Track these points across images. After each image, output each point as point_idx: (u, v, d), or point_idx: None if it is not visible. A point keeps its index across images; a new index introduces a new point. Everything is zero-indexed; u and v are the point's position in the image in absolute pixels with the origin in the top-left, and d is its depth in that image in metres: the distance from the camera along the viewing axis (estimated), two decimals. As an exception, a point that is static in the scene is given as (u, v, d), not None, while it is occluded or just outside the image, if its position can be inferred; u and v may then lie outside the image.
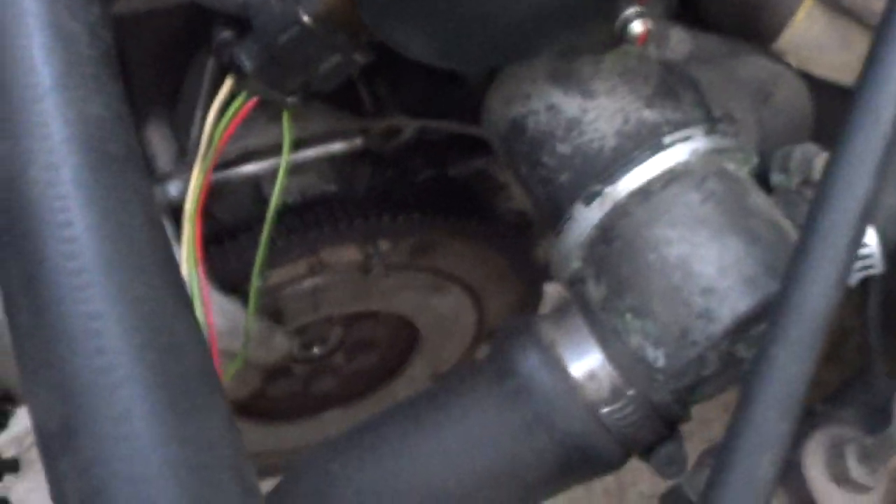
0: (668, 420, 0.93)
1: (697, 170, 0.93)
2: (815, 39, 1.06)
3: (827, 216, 0.79)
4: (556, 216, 0.97)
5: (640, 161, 0.93)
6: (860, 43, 1.04)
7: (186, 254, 0.91)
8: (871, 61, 0.77)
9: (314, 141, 1.23)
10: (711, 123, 0.95)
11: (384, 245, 1.26)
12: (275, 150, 1.19)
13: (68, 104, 0.81)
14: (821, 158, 0.94)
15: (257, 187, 1.23)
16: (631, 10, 0.87)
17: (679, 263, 0.90)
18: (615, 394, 0.91)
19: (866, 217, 0.77)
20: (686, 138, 0.93)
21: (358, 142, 1.25)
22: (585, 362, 0.92)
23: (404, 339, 1.49)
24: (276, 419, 1.48)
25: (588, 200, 0.94)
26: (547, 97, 0.98)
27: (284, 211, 1.23)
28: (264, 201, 1.21)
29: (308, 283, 1.26)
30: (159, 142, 1.21)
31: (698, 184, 0.92)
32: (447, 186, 1.33)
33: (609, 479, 2.05)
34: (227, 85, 0.93)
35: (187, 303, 0.80)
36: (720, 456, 0.78)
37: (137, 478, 0.66)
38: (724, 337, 0.88)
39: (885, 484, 0.87)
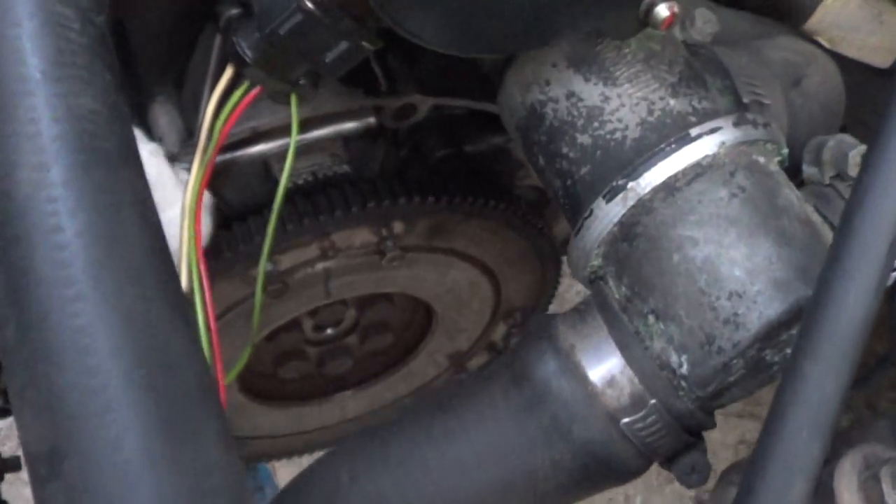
0: (690, 428, 0.86)
1: (726, 163, 0.85)
2: (848, 19, 0.98)
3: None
4: (575, 211, 0.90)
5: (665, 155, 0.85)
6: (896, 23, 0.97)
7: (187, 251, 0.85)
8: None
9: (325, 120, 1.17)
10: (741, 113, 0.88)
11: (398, 227, 1.20)
12: (284, 129, 1.13)
13: (58, 98, 0.74)
14: (857, 151, 0.86)
15: (266, 168, 1.17)
16: (656, -7, 0.81)
17: (705, 265, 0.83)
18: (636, 402, 0.84)
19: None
20: (714, 130, 0.86)
21: (371, 120, 1.18)
22: (605, 368, 0.85)
23: (419, 320, 1.43)
24: (290, 401, 1.43)
25: (609, 196, 0.86)
26: (567, 84, 0.91)
27: (294, 192, 1.17)
28: (273, 182, 1.15)
29: (320, 267, 1.20)
30: (166, 122, 1.14)
31: (726, 179, 0.85)
32: (463, 165, 1.26)
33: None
34: (228, 75, 0.86)
35: (185, 312, 0.74)
36: (748, 477, 0.72)
37: None
38: (753, 344, 0.81)
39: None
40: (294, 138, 0.95)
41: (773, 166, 0.88)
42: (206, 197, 1.06)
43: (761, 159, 0.87)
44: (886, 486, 0.76)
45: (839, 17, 0.97)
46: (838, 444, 0.82)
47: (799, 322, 0.81)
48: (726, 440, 2.19)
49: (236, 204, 1.18)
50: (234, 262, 1.14)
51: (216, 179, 1.14)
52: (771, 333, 0.82)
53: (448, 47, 0.82)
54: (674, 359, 0.84)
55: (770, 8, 1.00)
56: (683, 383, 0.84)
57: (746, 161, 0.86)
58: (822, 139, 0.89)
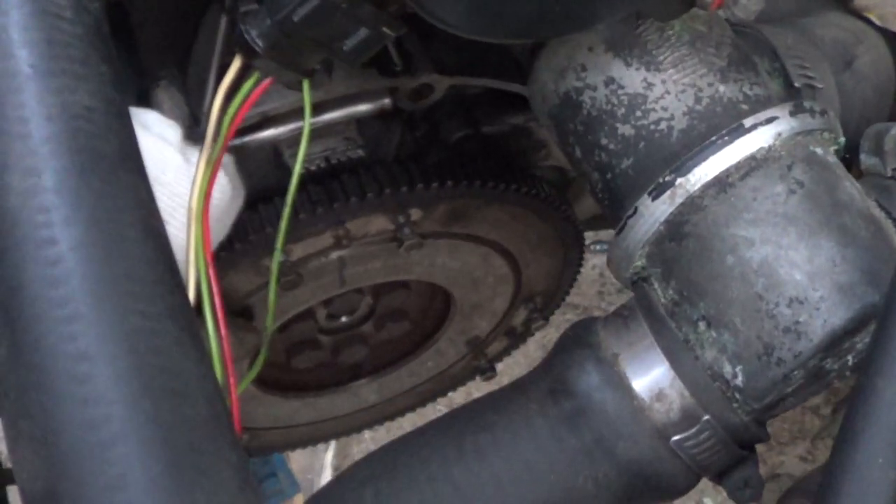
0: (743, 442, 0.78)
1: (782, 156, 0.76)
2: (901, -8, 0.89)
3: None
4: (616, 207, 0.81)
5: (717, 148, 0.76)
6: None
7: (194, 257, 0.76)
8: None
9: (338, 103, 1.06)
10: (797, 100, 0.79)
11: (416, 213, 1.11)
12: (295, 113, 1.03)
13: (50, 95, 0.66)
14: (924, 140, 0.78)
15: (277, 153, 1.08)
16: (705, -31, 0.71)
17: (762, 268, 0.74)
18: (687, 417, 0.76)
19: None
20: (770, 120, 0.76)
21: (386, 102, 1.08)
22: (652, 379, 0.76)
23: (437, 307, 1.34)
24: (304, 391, 1.35)
25: (656, 193, 0.77)
26: (605, 69, 0.81)
27: (307, 179, 1.07)
28: (285, 169, 1.06)
29: (334, 256, 1.12)
30: (170, 108, 1.05)
31: (783, 173, 0.75)
32: (482, 146, 1.17)
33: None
34: (235, 66, 0.77)
35: (193, 330, 0.65)
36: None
37: None
38: (815, 355, 0.73)
39: None
40: (307, 124, 0.86)
41: (832, 157, 0.79)
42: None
43: (819, 150, 0.78)
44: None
45: (891, -10, 0.88)
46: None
47: (865, 329, 0.73)
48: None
49: (246, 191, 1.10)
50: (244, 252, 1.06)
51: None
52: (835, 343, 0.73)
53: (477, 33, 0.72)
54: (727, 369, 0.75)
55: (816, -19, 0.90)
56: (738, 395, 0.75)
57: (804, 153, 0.77)
58: (882, 126, 0.80)
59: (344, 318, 1.29)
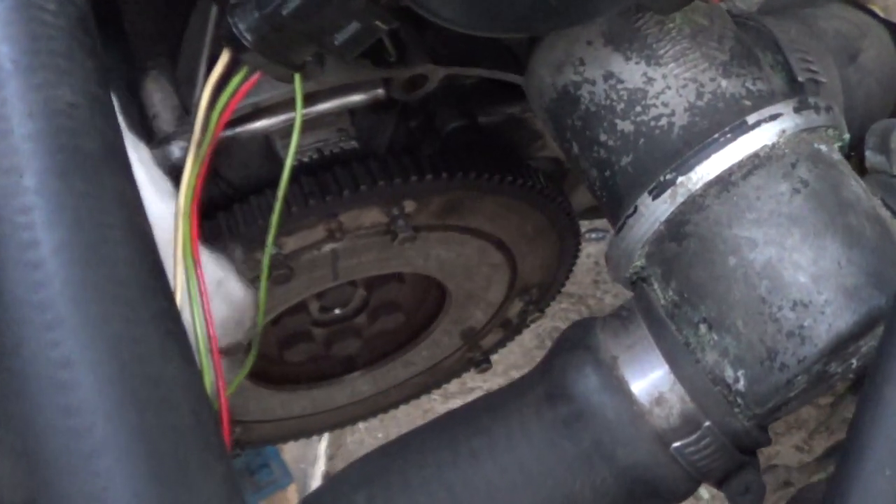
0: (744, 447, 0.75)
1: (786, 154, 0.73)
2: (906, -17, 0.86)
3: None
4: (615, 205, 0.78)
5: (720, 145, 0.73)
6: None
7: (182, 255, 0.73)
8: None
9: (330, 93, 1.03)
10: (802, 96, 0.76)
11: (410, 206, 1.08)
12: (287, 104, 1.00)
13: (32, 90, 0.63)
14: (930, 137, 0.75)
15: (268, 145, 1.05)
16: (707, -39, 0.68)
17: (766, 270, 0.71)
18: (687, 422, 0.73)
19: None
20: (774, 116, 0.73)
21: (379, 92, 1.05)
22: (652, 383, 0.73)
23: (431, 299, 1.32)
24: (298, 384, 1.32)
25: (656, 192, 0.74)
26: (604, 63, 0.78)
27: (299, 171, 1.04)
28: (277, 160, 1.04)
29: (327, 249, 1.09)
30: (160, 99, 1.02)
31: (787, 172, 0.72)
32: (477, 137, 1.14)
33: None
34: (224, 60, 0.73)
35: (179, 336, 0.62)
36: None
37: None
38: (820, 360, 0.70)
39: None
40: (299, 115, 0.84)
41: (836, 155, 0.76)
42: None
43: (823, 147, 0.75)
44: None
45: (896, -19, 0.85)
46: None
47: (870, 333, 0.70)
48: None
49: (237, 183, 1.07)
50: (235, 245, 1.03)
51: (215, 157, 1.02)
52: (840, 348, 0.70)
53: (472, 28, 0.69)
54: (729, 373, 0.72)
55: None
56: (739, 400, 0.73)
57: (808, 150, 0.74)
58: (888, 123, 0.77)
59: (337, 311, 1.26)
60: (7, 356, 0.57)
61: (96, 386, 0.56)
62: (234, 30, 0.70)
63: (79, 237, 0.60)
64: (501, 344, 1.42)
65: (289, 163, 0.85)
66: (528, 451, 0.74)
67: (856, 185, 0.75)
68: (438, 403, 1.96)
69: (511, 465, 0.74)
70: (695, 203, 0.73)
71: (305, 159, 1.06)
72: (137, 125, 1.01)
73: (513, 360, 2.00)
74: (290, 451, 1.78)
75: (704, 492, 1.90)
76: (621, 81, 0.77)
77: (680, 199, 0.73)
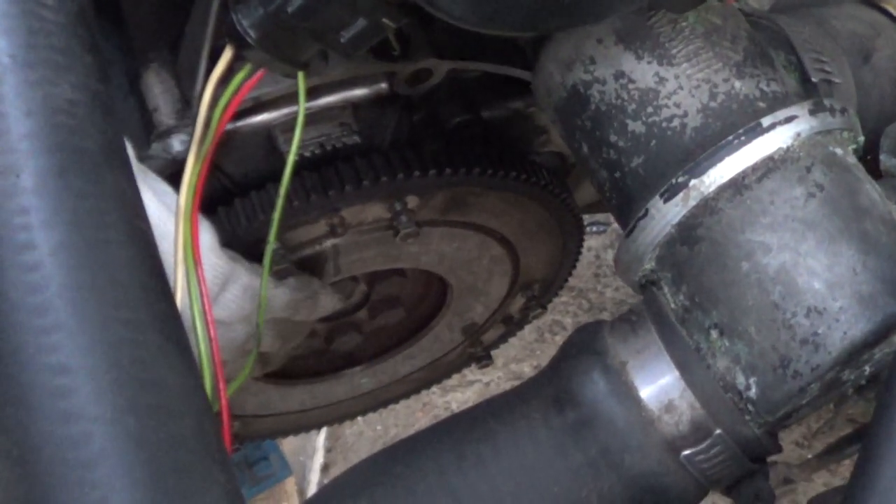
0: (755, 455, 0.73)
1: (801, 157, 0.71)
2: (920, -19, 0.84)
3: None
4: (624, 207, 0.76)
5: (733, 148, 0.71)
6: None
7: (183, 256, 0.71)
8: None
9: (334, 87, 1.01)
10: (816, 98, 0.74)
11: (413, 201, 1.06)
12: (289, 97, 0.98)
13: (30, 87, 0.61)
14: (948, 141, 0.73)
15: (270, 139, 1.03)
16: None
17: (780, 276, 0.69)
18: (697, 429, 0.71)
19: None
20: (789, 119, 0.71)
21: (382, 86, 1.03)
22: (661, 389, 0.72)
23: (433, 294, 1.30)
24: (299, 378, 1.31)
25: (668, 195, 0.72)
26: (615, 62, 0.76)
27: (301, 165, 1.02)
28: (278, 155, 1.01)
29: (328, 244, 1.07)
30: (161, 92, 1.00)
31: (802, 175, 0.70)
32: (481, 132, 1.12)
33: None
34: (226, 57, 0.71)
35: (180, 340, 0.61)
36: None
37: None
38: (834, 367, 0.68)
39: None
40: (302, 109, 0.82)
41: (851, 158, 0.74)
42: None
43: (838, 151, 0.73)
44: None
45: (910, -21, 0.83)
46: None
47: (885, 341, 0.68)
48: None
49: (237, 177, 1.05)
50: (236, 240, 1.01)
51: (217, 151, 1.01)
52: (854, 356, 0.68)
53: (482, 25, 0.67)
54: (740, 380, 0.71)
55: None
56: (750, 407, 0.71)
57: (822, 153, 0.72)
58: (904, 125, 0.75)
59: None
60: (3, 361, 0.55)
61: (95, 392, 0.54)
62: (238, 27, 0.68)
63: (77, 238, 0.58)
64: (503, 339, 1.40)
65: (291, 158, 0.84)
66: (535, 457, 0.73)
67: (871, 190, 0.73)
68: (437, 396, 1.95)
69: (517, 471, 0.73)
70: (707, 206, 0.72)
71: (307, 154, 1.04)
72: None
73: (513, 354, 1.98)
74: (288, 443, 1.77)
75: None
76: (633, 81, 0.75)
77: (692, 203, 0.71)
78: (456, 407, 1.92)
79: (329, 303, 1.11)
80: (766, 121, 0.72)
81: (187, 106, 1.00)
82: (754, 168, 0.71)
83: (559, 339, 0.90)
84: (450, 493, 0.73)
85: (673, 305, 0.74)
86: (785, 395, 0.70)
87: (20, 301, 0.56)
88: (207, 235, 0.93)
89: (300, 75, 0.79)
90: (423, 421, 1.92)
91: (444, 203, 1.09)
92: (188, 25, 0.99)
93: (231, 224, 1.01)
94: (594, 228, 2.13)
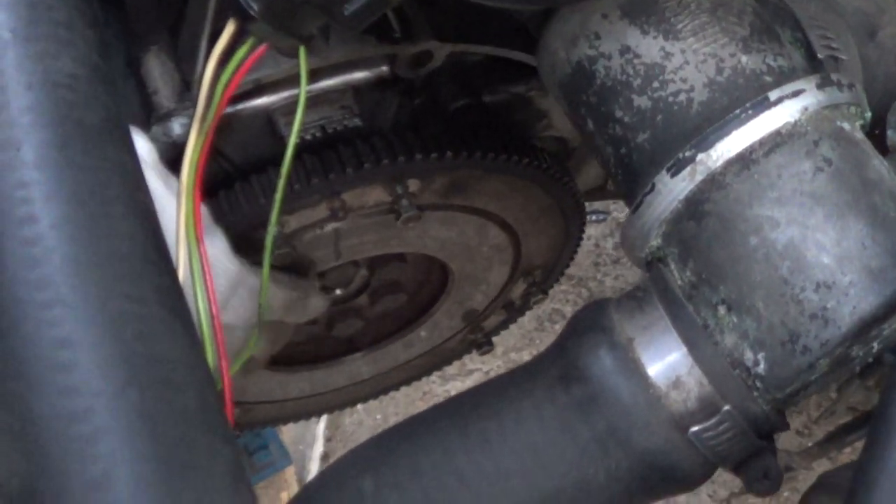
0: (762, 432, 0.73)
1: (808, 132, 0.70)
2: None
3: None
4: (631, 183, 0.75)
5: (741, 122, 0.70)
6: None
7: (185, 234, 0.70)
8: None
9: (335, 70, 1.01)
10: (823, 73, 0.73)
11: (414, 185, 1.05)
12: (290, 80, 0.98)
13: (31, 61, 0.60)
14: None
15: (271, 122, 1.02)
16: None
17: (788, 250, 0.68)
18: (705, 406, 0.70)
19: None
20: (796, 93, 0.70)
21: (383, 69, 1.03)
22: (669, 365, 0.71)
23: (434, 279, 1.29)
24: (299, 364, 1.30)
25: (675, 169, 0.71)
26: (621, 37, 0.75)
27: (302, 149, 1.01)
28: (279, 138, 1.01)
29: (329, 228, 1.06)
30: (160, 74, 0.99)
31: (810, 150, 0.70)
32: (482, 116, 1.11)
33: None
34: (229, 30, 0.70)
35: (182, 315, 0.60)
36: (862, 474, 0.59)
37: None
38: (843, 343, 0.68)
39: None
40: (303, 91, 0.81)
41: (859, 133, 0.73)
42: None
43: (846, 125, 0.72)
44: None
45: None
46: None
47: (894, 315, 0.68)
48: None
49: (238, 161, 1.04)
50: (236, 224, 1.01)
51: (217, 134, 1.00)
52: (864, 330, 0.68)
53: (487, -3, 0.67)
54: (748, 356, 0.70)
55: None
56: (759, 384, 0.70)
57: (830, 128, 0.71)
58: (911, 100, 0.74)
59: (338, 291, 1.23)
60: (4, 336, 0.54)
61: (97, 366, 0.53)
62: (241, -1, 0.68)
63: (78, 212, 0.57)
64: (504, 326, 1.39)
65: (293, 139, 0.83)
66: (541, 435, 0.72)
67: (879, 164, 0.72)
68: (437, 385, 1.94)
69: (523, 449, 0.72)
70: (714, 181, 0.71)
71: (308, 137, 1.03)
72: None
73: (512, 343, 1.98)
74: (288, 432, 1.76)
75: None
76: (638, 56, 0.75)
77: (699, 177, 0.71)
78: (456, 396, 1.92)
79: (318, 304, 1.11)
80: (773, 95, 0.71)
81: (187, 89, 0.99)
82: (762, 142, 0.70)
83: (559, 328, 0.89)
84: (455, 471, 0.72)
85: (680, 282, 0.73)
86: (794, 370, 0.69)
87: (20, 275, 0.55)
88: (221, 241, 0.94)
89: (301, 54, 0.78)
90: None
91: (446, 187, 1.08)
92: (188, 8, 0.98)
93: (232, 208, 1.00)
94: (594, 217, 2.12)
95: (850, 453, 1.09)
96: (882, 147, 0.75)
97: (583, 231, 1.25)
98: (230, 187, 1.01)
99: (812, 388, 0.72)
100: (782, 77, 0.73)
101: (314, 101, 1.03)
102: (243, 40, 0.71)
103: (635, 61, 0.75)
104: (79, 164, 0.59)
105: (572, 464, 0.71)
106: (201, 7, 0.94)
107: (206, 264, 0.71)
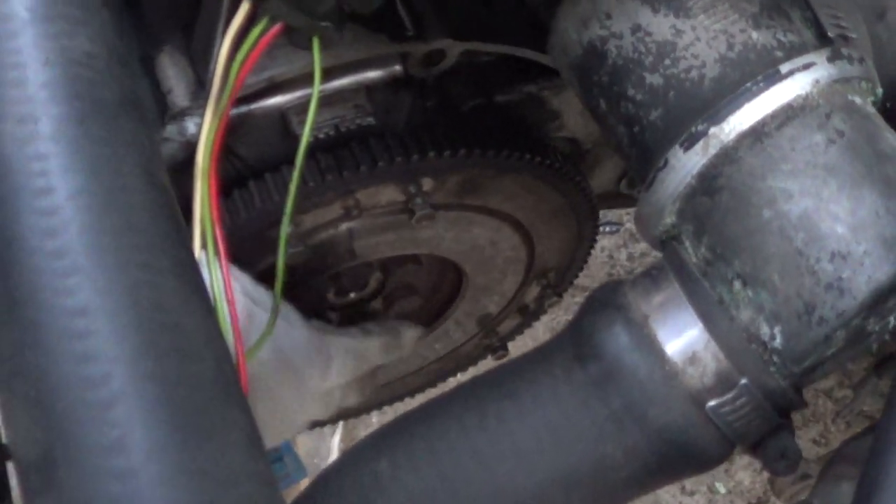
0: (780, 409, 0.72)
1: (820, 105, 0.70)
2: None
3: None
4: (644, 162, 0.75)
5: (752, 95, 0.70)
6: None
7: (200, 215, 0.71)
8: None
9: (347, 69, 1.01)
10: (835, 47, 0.74)
11: (428, 184, 1.06)
12: (302, 79, 0.98)
13: (48, 39, 0.62)
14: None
15: (284, 121, 1.02)
16: None
17: (802, 222, 0.68)
18: (722, 381, 0.70)
19: None
20: (807, 66, 0.71)
21: (396, 68, 1.03)
22: (685, 341, 0.70)
23: (448, 282, 1.29)
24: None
25: (687, 144, 0.71)
26: (632, 16, 0.75)
27: (315, 147, 1.02)
28: (293, 137, 1.01)
29: (344, 227, 1.07)
30: (175, 73, 1.00)
31: (822, 122, 0.70)
32: (495, 116, 1.12)
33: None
34: (244, 10, 0.71)
35: (198, 286, 0.60)
36: (869, 476, 0.58)
37: None
38: (860, 313, 0.67)
39: None
40: (317, 87, 0.81)
41: (870, 108, 0.73)
42: None
43: (857, 99, 0.72)
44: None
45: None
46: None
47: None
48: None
49: (252, 161, 1.04)
50: (251, 222, 1.01)
51: (230, 134, 1.00)
52: (880, 300, 0.67)
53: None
54: (764, 330, 0.69)
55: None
56: (775, 358, 0.70)
57: (842, 102, 0.71)
58: (922, 76, 0.74)
59: (353, 294, 1.23)
60: (21, 305, 0.54)
61: (113, 333, 0.53)
62: (255, -24, 0.68)
63: (95, 184, 0.58)
64: (518, 330, 1.39)
65: (307, 131, 0.83)
66: (557, 413, 0.71)
67: (891, 137, 0.72)
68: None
69: (540, 427, 0.71)
70: (727, 155, 0.71)
71: (322, 135, 1.04)
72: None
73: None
74: (303, 445, 1.75)
75: (721, 486, 1.87)
76: (649, 34, 0.75)
77: (712, 151, 0.71)
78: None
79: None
80: (784, 67, 0.71)
81: (201, 88, 1.00)
82: (773, 115, 0.70)
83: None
84: (472, 451, 0.72)
85: (694, 259, 0.73)
86: (810, 342, 0.68)
87: (38, 245, 0.55)
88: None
89: (315, 45, 0.79)
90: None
91: (459, 186, 1.09)
92: (202, 6, 0.99)
93: (246, 206, 1.01)
94: (607, 229, 2.12)
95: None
96: (894, 123, 0.75)
97: (596, 232, 1.25)
98: (244, 186, 1.01)
99: (829, 364, 0.72)
100: (793, 51, 0.73)
101: (327, 100, 1.04)
102: (258, 20, 0.72)
103: (647, 39, 0.75)
104: (95, 137, 0.59)
105: (589, 442, 0.71)
106: (215, 5, 0.95)
107: (223, 247, 0.71)
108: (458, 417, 0.73)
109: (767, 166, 0.70)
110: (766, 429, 0.72)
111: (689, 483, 1.86)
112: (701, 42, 0.74)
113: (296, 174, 0.84)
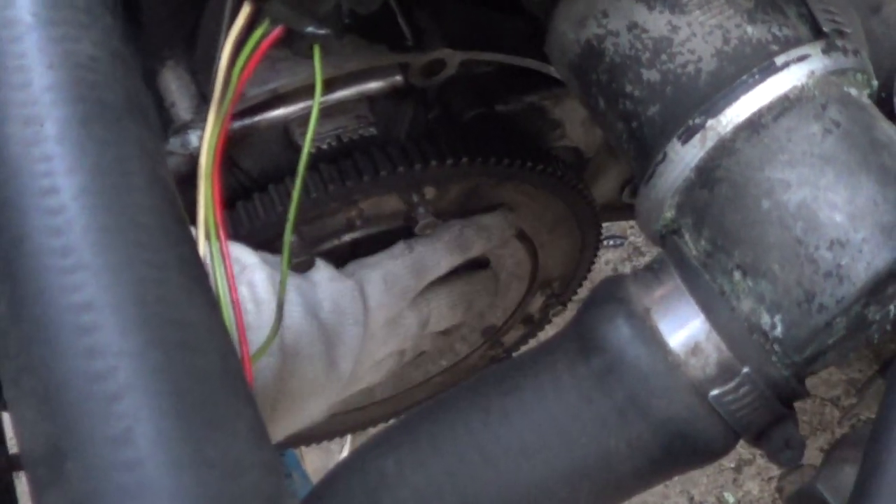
0: (783, 398, 0.73)
1: (815, 96, 0.71)
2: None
3: None
4: (643, 157, 0.75)
5: (748, 87, 0.71)
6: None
7: (204, 217, 0.71)
8: None
9: (349, 80, 1.02)
10: (828, 39, 0.74)
11: (430, 192, 1.06)
12: (305, 91, 0.99)
13: (53, 43, 0.62)
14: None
15: (287, 133, 1.03)
16: None
17: (800, 211, 0.69)
18: (724, 371, 0.70)
19: None
20: (802, 58, 0.71)
21: (397, 79, 1.04)
22: (687, 333, 0.71)
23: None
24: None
25: (685, 137, 0.72)
26: (628, 14, 0.76)
27: (318, 158, 1.03)
28: (295, 149, 1.02)
29: (347, 238, 1.07)
30: (178, 87, 1.01)
31: (818, 113, 0.70)
32: (496, 125, 1.13)
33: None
34: (245, 12, 0.72)
35: (203, 283, 0.60)
36: (871, 458, 0.58)
37: None
38: (859, 299, 0.68)
39: None
40: (318, 96, 0.82)
41: (865, 99, 0.74)
42: None
43: (853, 91, 0.73)
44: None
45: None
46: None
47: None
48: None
49: (256, 173, 1.05)
50: (255, 233, 1.02)
51: (233, 147, 1.01)
52: (879, 287, 0.68)
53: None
54: (765, 320, 0.70)
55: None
56: (777, 347, 0.70)
57: (837, 93, 0.72)
58: (917, 68, 0.75)
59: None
60: (28, 303, 0.55)
61: (119, 328, 0.53)
62: (255, -22, 0.69)
63: (99, 183, 0.58)
64: (524, 341, 1.39)
65: (308, 138, 0.84)
66: (561, 408, 0.72)
67: (887, 128, 0.72)
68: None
69: (544, 422, 0.72)
70: (725, 147, 0.71)
71: (324, 146, 1.05)
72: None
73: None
74: (311, 461, 1.75)
75: (730, 496, 1.86)
76: (646, 31, 0.76)
77: (710, 143, 0.71)
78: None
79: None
80: (779, 59, 0.72)
81: (204, 101, 1.01)
82: (770, 107, 0.71)
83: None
84: (476, 447, 0.72)
85: (695, 252, 0.73)
86: (811, 330, 0.69)
87: (43, 244, 0.56)
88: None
89: (316, 53, 0.79)
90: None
91: (462, 195, 1.09)
92: (203, 21, 1.00)
93: (250, 217, 1.01)
94: (611, 242, 2.13)
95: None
96: (890, 115, 0.76)
97: (599, 241, 1.26)
98: (248, 198, 1.02)
99: (831, 354, 0.72)
100: (788, 45, 0.74)
101: (329, 111, 1.05)
102: (259, 23, 0.73)
103: (643, 36, 0.76)
104: (100, 138, 0.60)
105: (593, 435, 0.71)
106: (217, 19, 0.96)
107: (226, 249, 0.72)
108: (462, 414, 0.73)
109: (765, 157, 0.70)
110: (770, 418, 0.72)
111: (697, 493, 1.86)
112: (697, 37, 0.74)
113: (297, 183, 0.85)
